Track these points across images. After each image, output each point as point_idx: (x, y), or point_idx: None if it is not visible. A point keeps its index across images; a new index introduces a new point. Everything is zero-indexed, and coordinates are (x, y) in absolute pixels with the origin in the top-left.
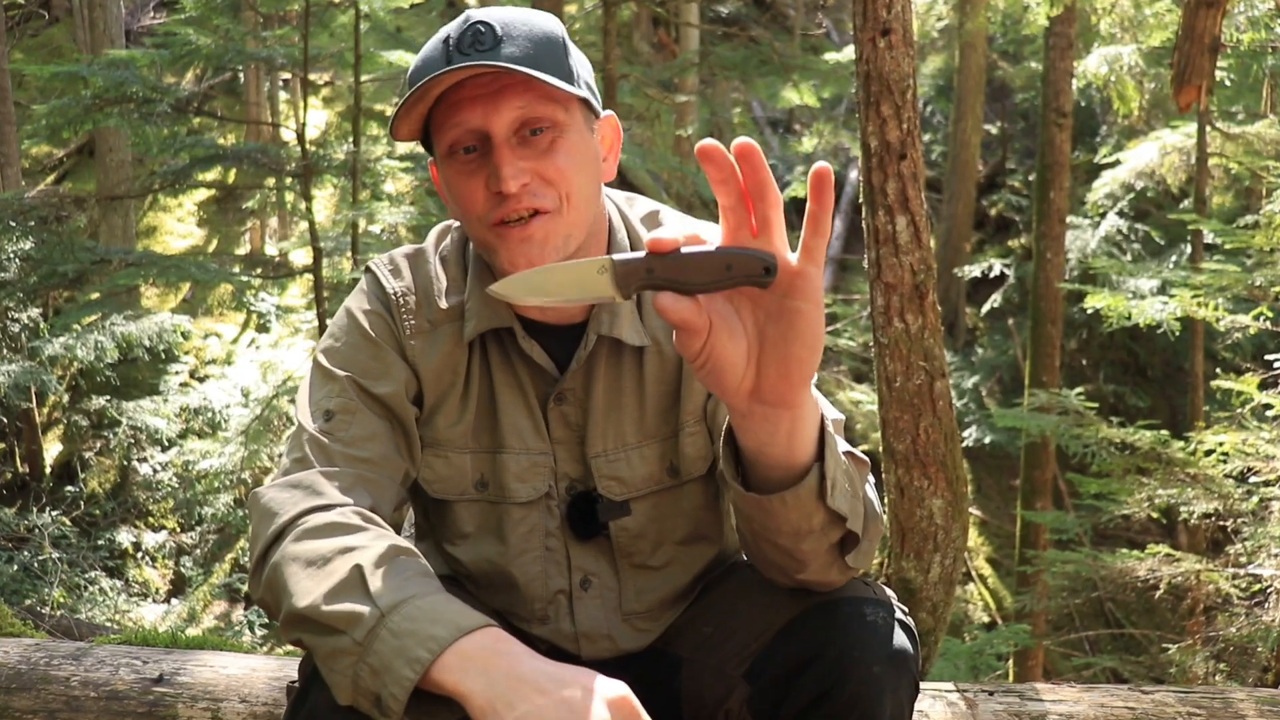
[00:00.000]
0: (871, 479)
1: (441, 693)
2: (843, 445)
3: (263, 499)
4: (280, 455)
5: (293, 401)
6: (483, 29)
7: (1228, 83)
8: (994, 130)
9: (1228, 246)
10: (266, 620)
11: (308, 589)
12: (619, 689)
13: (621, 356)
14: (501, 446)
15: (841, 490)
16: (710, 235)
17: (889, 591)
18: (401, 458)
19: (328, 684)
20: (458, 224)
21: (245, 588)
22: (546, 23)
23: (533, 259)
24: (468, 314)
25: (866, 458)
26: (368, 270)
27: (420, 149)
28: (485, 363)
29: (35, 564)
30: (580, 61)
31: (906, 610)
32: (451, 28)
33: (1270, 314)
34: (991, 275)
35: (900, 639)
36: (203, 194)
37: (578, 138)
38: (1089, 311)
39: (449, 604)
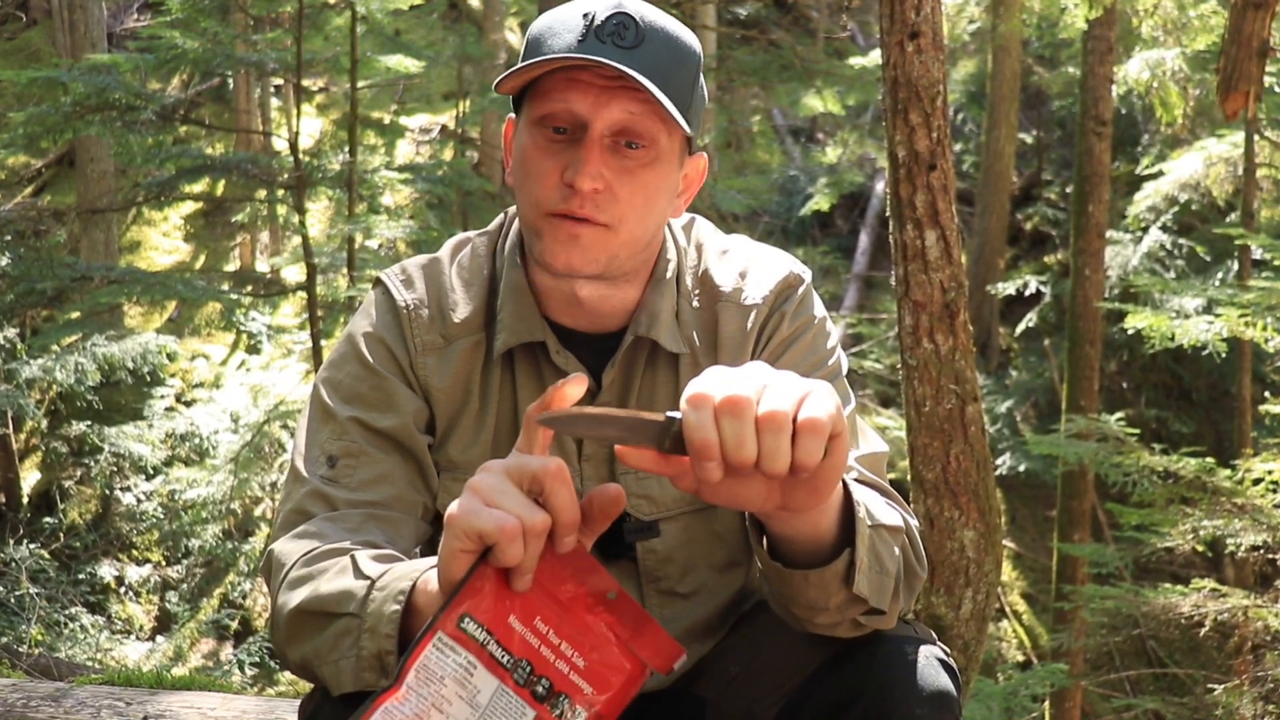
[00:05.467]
0: (915, 522)
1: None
2: (874, 503)
3: (274, 554)
4: (280, 504)
5: (284, 427)
6: (628, 23)
7: (1277, 89)
8: (1029, 139)
9: (1277, 263)
10: (258, 659)
11: (304, 591)
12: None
13: (658, 364)
14: None
15: (869, 571)
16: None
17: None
18: (418, 492)
19: (336, 681)
20: (478, 234)
21: (234, 624)
22: (689, 39)
23: (572, 262)
24: (499, 326)
25: (901, 519)
26: (378, 282)
27: (419, 156)
28: (510, 377)
29: (12, 599)
30: (702, 93)
31: (948, 650)
32: (595, 4)
33: None
34: (1027, 293)
35: (943, 680)
36: (189, 207)
37: (665, 169)
38: (1130, 332)
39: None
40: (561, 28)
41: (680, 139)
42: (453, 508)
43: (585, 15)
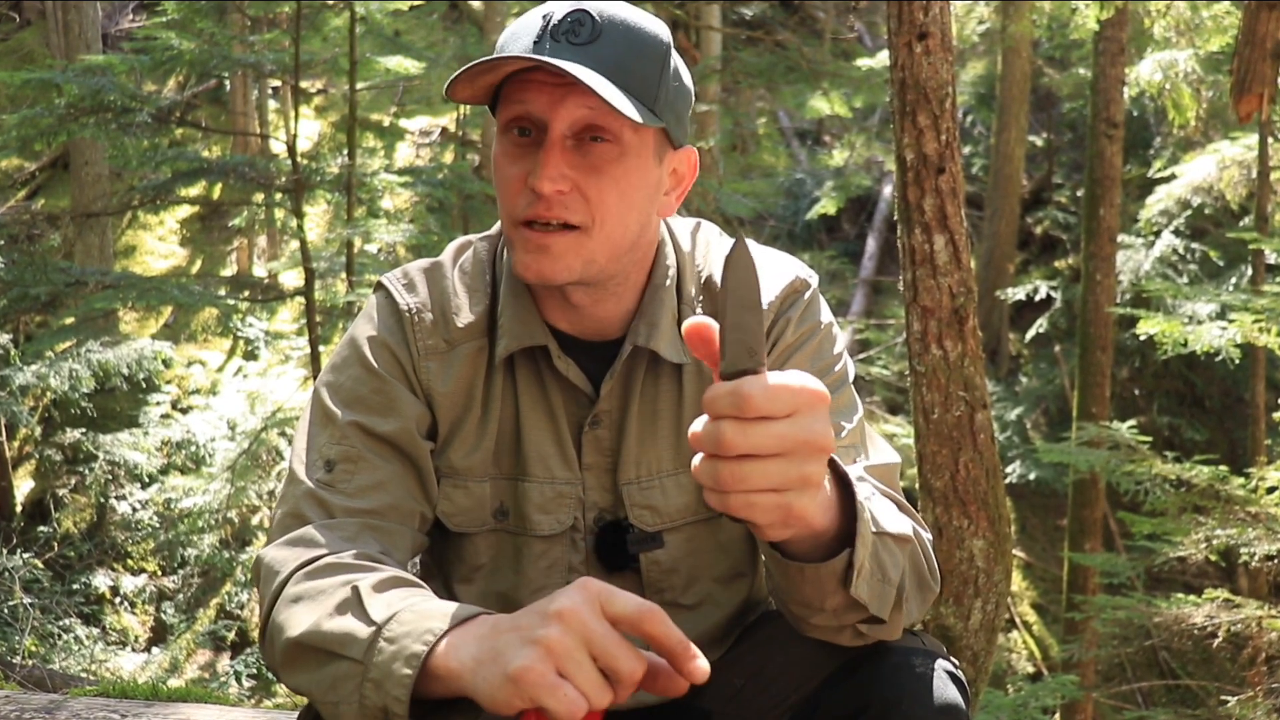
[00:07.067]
0: (927, 535)
1: (445, 689)
2: (885, 511)
3: (265, 560)
4: (275, 509)
5: (282, 434)
6: (583, 20)
7: None
8: (1039, 142)
9: None
10: (255, 671)
11: (303, 619)
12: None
13: (659, 374)
14: (524, 474)
15: (869, 576)
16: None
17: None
18: (416, 501)
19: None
20: (480, 237)
21: (231, 635)
22: (652, 28)
23: (544, 272)
24: (500, 331)
25: (910, 529)
26: (379, 286)
27: (419, 159)
28: (512, 383)
29: (5, 610)
30: (677, 84)
31: (957, 662)
32: (556, 6)
33: None
34: (1037, 298)
35: (952, 692)
36: (186, 211)
37: (637, 163)
38: (1142, 338)
39: (444, 604)
40: (523, 31)
41: (653, 132)
42: (521, 662)
43: (544, 16)
